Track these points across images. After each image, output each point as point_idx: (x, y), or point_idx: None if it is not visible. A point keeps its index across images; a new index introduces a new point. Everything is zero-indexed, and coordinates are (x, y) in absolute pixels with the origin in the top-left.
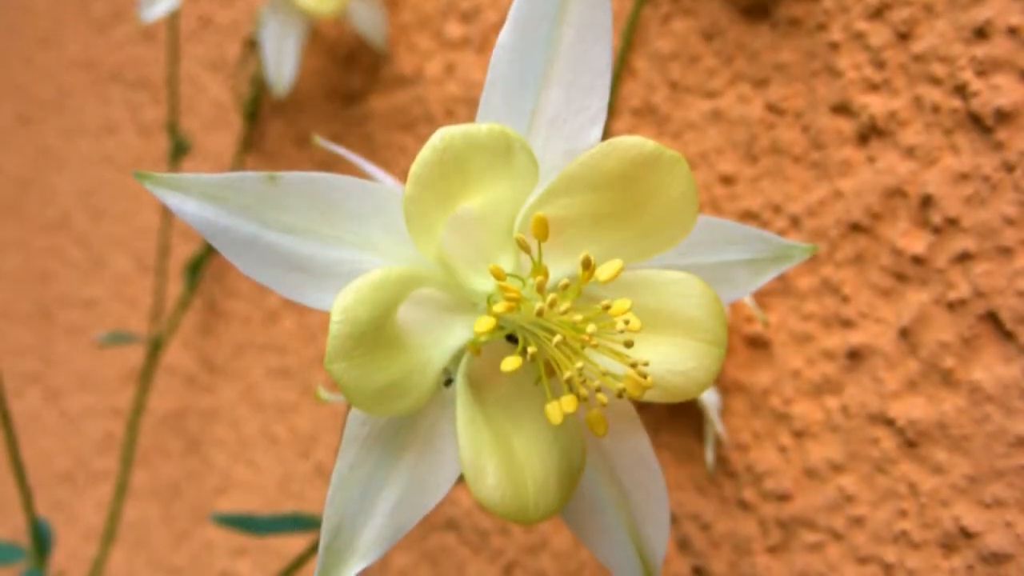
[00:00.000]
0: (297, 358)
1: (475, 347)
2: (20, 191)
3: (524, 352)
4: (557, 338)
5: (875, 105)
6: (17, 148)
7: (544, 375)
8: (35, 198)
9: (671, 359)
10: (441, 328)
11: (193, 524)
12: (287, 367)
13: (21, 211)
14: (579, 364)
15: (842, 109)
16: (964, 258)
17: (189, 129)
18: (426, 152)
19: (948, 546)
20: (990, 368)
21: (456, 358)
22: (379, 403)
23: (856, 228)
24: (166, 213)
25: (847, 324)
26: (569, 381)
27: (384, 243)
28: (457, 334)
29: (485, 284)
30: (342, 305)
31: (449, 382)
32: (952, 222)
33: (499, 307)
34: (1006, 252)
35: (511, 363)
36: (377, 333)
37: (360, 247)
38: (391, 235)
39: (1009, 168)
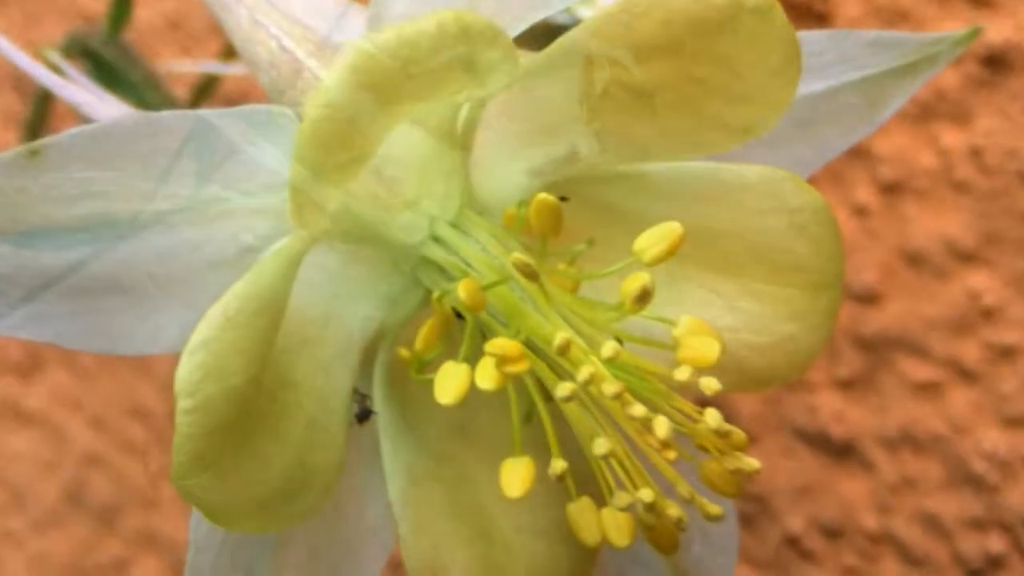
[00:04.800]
0: None
1: (411, 354)
2: None
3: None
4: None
5: None
6: None
7: (540, 401)
8: None
9: (753, 320)
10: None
11: None
12: None
13: None
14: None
15: None
16: None
17: None
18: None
19: None
20: None
21: (369, 373)
22: (271, 514)
23: None
24: None
25: None
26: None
27: (229, 206)
28: (367, 322)
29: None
30: (188, 381)
31: (366, 414)
32: None
33: (466, 287)
34: None
35: (488, 377)
36: (249, 405)
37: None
38: (236, 188)
39: None
